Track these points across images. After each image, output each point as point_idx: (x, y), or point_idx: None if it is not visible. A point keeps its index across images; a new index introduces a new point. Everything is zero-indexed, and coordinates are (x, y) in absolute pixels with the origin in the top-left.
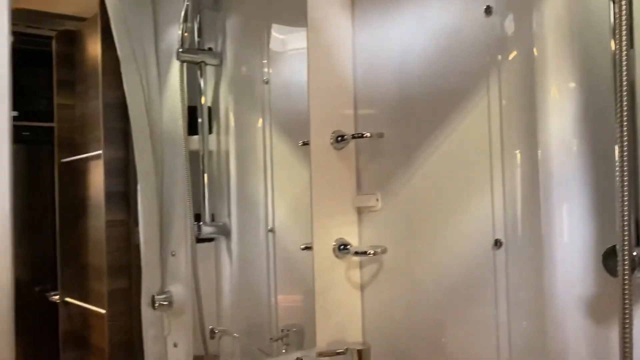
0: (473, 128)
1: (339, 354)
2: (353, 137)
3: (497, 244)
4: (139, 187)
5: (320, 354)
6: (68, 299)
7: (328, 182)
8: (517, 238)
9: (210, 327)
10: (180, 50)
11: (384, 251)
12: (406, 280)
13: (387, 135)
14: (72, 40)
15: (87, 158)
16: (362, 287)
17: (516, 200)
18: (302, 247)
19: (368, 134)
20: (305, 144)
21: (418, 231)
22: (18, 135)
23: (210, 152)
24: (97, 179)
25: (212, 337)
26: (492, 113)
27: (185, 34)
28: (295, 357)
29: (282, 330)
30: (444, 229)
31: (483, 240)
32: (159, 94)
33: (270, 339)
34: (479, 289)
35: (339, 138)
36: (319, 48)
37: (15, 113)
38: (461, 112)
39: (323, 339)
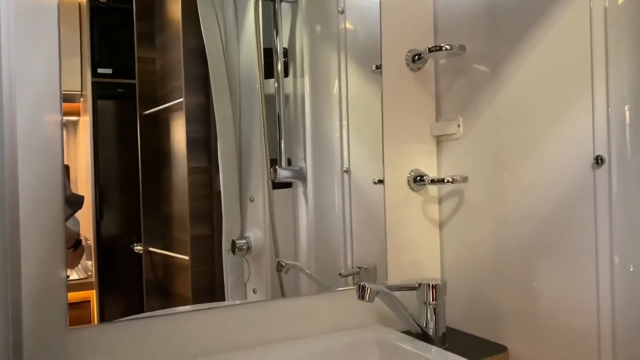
0: (569, 31)
1: (410, 288)
2: (430, 50)
3: (599, 161)
4: (217, 133)
5: (390, 288)
6: (152, 249)
7: (403, 109)
8: (623, 153)
9: (278, 260)
10: None
11: (465, 180)
12: (490, 213)
13: (469, 50)
14: None
15: (168, 108)
16: (441, 224)
17: (623, 111)
18: (375, 181)
19: (447, 46)
20: (378, 67)
21: (504, 159)
22: (112, 92)
23: (287, 96)
24: (178, 127)
25: (279, 270)
26: (595, 10)
27: None
28: (359, 285)
29: (354, 268)
30: (533, 152)
31: (581, 158)
32: (237, 37)
33: (340, 274)
34: (575, 218)
35: (416, 57)
36: None
37: (109, 70)
38: (554, 12)
39: (395, 277)
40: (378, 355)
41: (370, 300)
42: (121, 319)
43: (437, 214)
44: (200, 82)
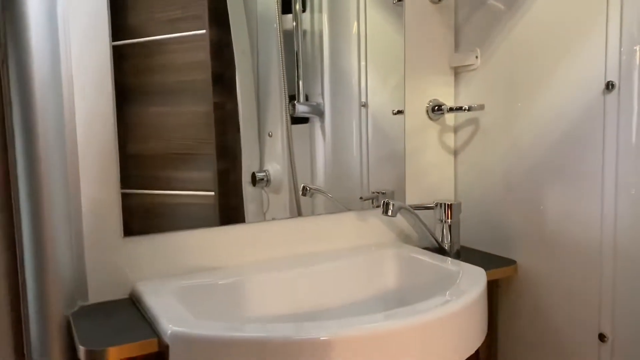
0: None
1: (427, 208)
2: None
3: (609, 86)
4: (236, 69)
5: (410, 206)
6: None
7: (423, 41)
8: (633, 79)
9: (303, 185)
10: None
11: (481, 107)
12: (504, 140)
13: None
14: None
15: (187, 38)
16: (456, 151)
17: (634, 38)
18: (395, 111)
19: None
20: (400, 1)
21: (518, 89)
22: None
23: (304, 31)
24: (203, 60)
25: (304, 194)
26: None
27: None
28: (384, 202)
29: (372, 193)
30: (547, 80)
31: (592, 84)
32: None
33: (361, 198)
34: (585, 141)
35: None
36: None
37: None
38: None
39: (413, 200)
40: (398, 266)
41: (394, 214)
42: (163, 232)
43: (453, 142)
44: (222, 16)
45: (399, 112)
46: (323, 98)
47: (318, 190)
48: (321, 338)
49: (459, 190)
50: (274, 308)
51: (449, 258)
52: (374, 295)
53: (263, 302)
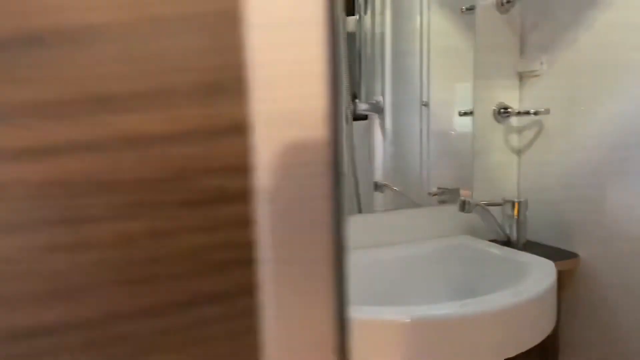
0: None
1: (496, 204)
2: None
3: None
4: None
5: (478, 205)
6: None
7: (491, 47)
8: None
9: (374, 181)
10: None
11: (547, 112)
12: (566, 141)
13: None
14: None
15: None
16: (520, 151)
17: None
18: (462, 112)
19: None
20: (469, 9)
21: (583, 94)
22: None
23: (366, 32)
24: None
25: (375, 189)
26: None
27: None
28: (461, 200)
29: (438, 189)
30: (611, 87)
31: None
32: None
33: (429, 193)
34: None
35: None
36: None
37: None
38: None
39: (479, 197)
40: (469, 257)
41: (469, 211)
42: None
43: (517, 142)
44: None
45: (466, 113)
46: (383, 96)
47: (387, 186)
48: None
49: (522, 188)
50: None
51: (519, 251)
52: (449, 284)
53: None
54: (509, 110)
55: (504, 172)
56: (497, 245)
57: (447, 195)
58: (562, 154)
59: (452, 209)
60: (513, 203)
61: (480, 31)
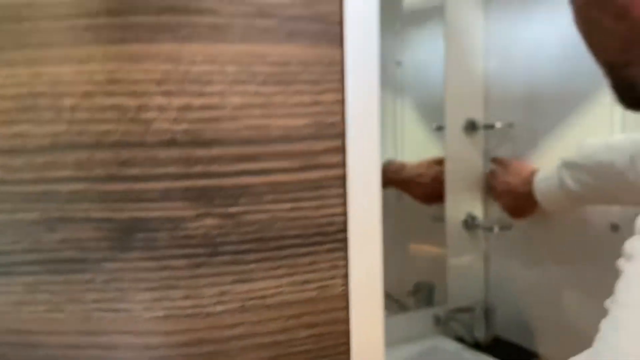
0: (594, 130)
1: (465, 310)
2: (485, 127)
3: (614, 228)
4: None
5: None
6: None
7: (459, 164)
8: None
9: None
10: None
11: (509, 227)
12: (532, 256)
13: (515, 126)
14: None
15: None
16: (486, 258)
17: None
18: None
19: (499, 124)
20: (439, 128)
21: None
22: None
23: None
24: None
25: None
26: (615, 119)
27: None
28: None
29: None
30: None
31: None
32: None
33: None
34: None
35: (471, 125)
36: (454, 36)
37: None
38: (585, 114)
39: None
40: None
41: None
42: None
43: (483, 251)
44: None
45: (437, 219)
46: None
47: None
48: None
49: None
50: None
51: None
52: None
53: None
54: (477, 220)
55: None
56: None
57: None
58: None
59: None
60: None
61: (451, 150)
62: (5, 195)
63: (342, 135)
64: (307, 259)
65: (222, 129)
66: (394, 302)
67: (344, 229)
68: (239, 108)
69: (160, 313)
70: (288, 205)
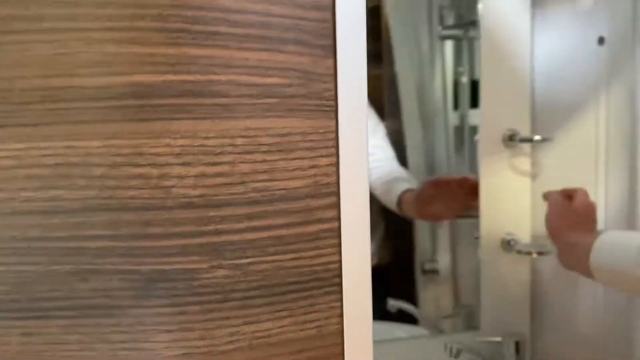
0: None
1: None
2: (521, 140)
3: None
4: (408, 162)
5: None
6: None
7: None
8: None
9: None
10: (440, 27)
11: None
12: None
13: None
14: (377, 14)
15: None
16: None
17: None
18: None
19: (538, 137)
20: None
21: None
22: None
23: (475, 127)
24: None
25: None
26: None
27: (447, 10)
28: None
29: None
30: None
31: None
32: (431, 70)
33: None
34: None
35: (510, 137)
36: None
37: None
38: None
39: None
40: None
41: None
42: None
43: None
44: (396, 109)
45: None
46: None
47: None
48: None
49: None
50: None
51: None
52: None
53: None
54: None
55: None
56: None
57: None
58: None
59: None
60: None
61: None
62: (44, 250)
63: (336, 193)
64: (306, 302)
65: (232, 192)
66: (429, 325)
67: (339, 275)
68: (246, 174)
69: (179, 352)
70: (290, 256)
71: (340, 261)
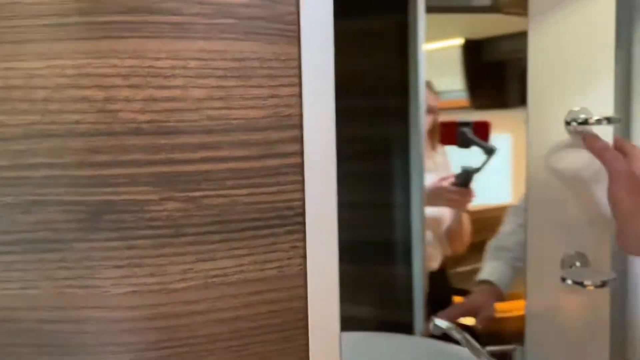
0: None
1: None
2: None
3: None
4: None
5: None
6: None
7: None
8: None
9: None
10: None
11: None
12: None
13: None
14: None
15: None
16: None
17: None
18: None
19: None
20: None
21: None
22: None
23: None
24: None
25: None
26: None
27: None
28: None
29: None
30: None
31: None
32: None
33: None
34: None
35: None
36: None
37: None
38: None
39: None
40: None
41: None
42: None
43: None
44: None
45: None
46: None
47: None
48: None
49: None
50: None
51: None
52: None
53: None
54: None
55: None
56: None
57: None
58: None
59: None
60: None
61: None
62: None
63: (299, 126)
64: (267, 240)
65: (184, 119)
66: None
67: (301, 213)
68: (200, 100)
69: (128, 289)
70: (248, 190)
71: (303, 199)
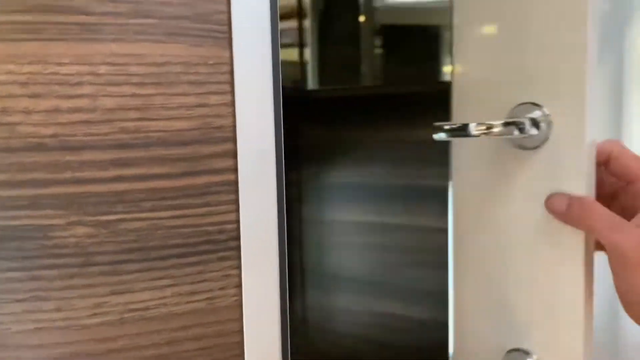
0: None
1: None
2: None
3: None
4: None
5: None
6: None
7: None
8: None
9: None
10: None
11: None
12: None
13: None
14: None
15: None
16: None
17: None
18: None
19: None
20: None
21: None
22: None
23: None
24: None
25: None
26: None
27: None
28: None
29: None
30: None
31: None
32: None
33: None
34: None
35: None
36: None
37: None
38: None
39: None
40: None
41: None
42: None
43: None
44: None
45: None
46: None
47: None
48: None
49: None
50: None
51: None
52: None
53: None
54: None
55: None
56: None
57: None
58: None
59: None
60: None
61: None
62: None
63: (232, 138)
64: (194, 269)
65: (94, 132)
66: None
67: (236, 237)
68: (112, 110)
69: (31, 325)
70: (171, 213)
71: (238, 221)
